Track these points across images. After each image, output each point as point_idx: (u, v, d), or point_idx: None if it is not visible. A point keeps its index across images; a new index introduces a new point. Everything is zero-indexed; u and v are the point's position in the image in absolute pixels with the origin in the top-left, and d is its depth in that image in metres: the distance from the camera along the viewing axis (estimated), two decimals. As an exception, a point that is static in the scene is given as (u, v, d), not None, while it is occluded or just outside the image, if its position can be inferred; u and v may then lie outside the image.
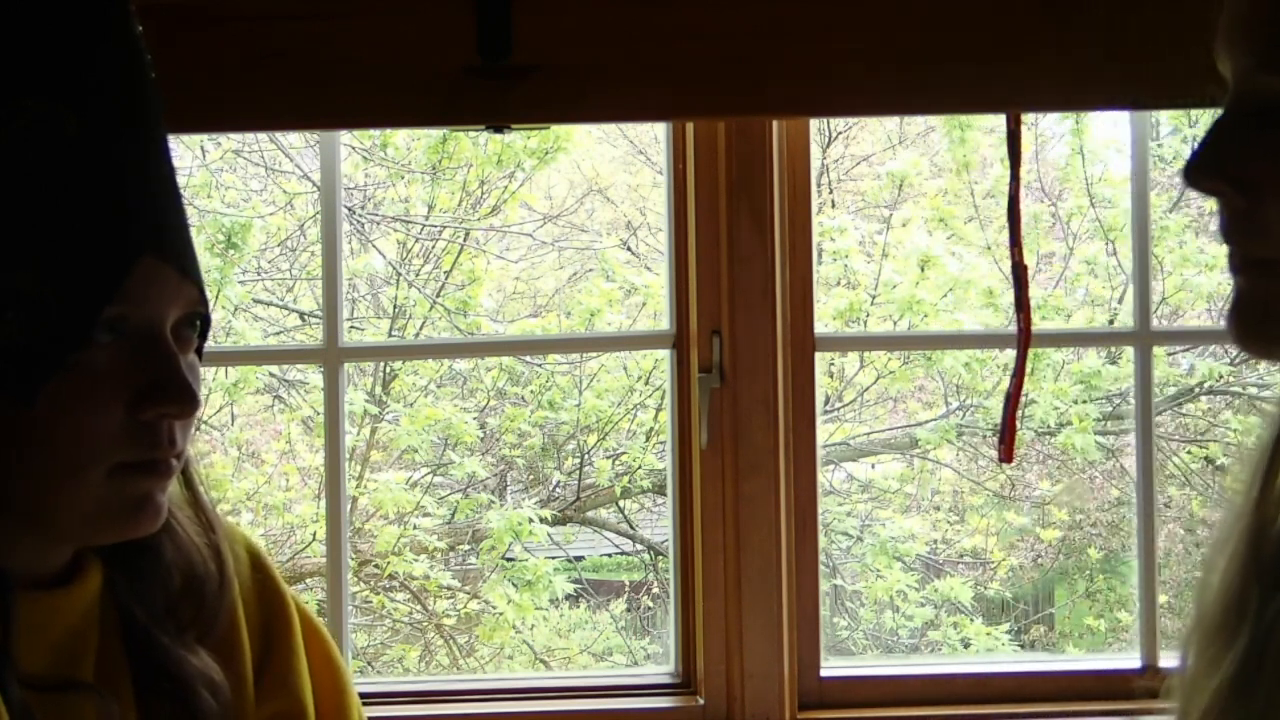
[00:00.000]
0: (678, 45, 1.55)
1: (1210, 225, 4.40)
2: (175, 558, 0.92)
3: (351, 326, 4.28)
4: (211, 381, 3.91)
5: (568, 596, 4.43)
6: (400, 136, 4.16)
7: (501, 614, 4.15)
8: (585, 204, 4.60)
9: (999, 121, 2.85)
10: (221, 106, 1.55)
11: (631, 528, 4.56)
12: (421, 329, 4.23)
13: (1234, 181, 0.67)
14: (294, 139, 4.11)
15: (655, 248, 4.39)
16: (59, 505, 0.83)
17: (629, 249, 4.51)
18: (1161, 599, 1.89)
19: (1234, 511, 0.65)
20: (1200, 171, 0.68)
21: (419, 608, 4.30)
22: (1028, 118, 3.00)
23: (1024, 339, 1.72)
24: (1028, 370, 1.75)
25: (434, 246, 4.32)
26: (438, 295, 4.19)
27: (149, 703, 0.89)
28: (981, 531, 4.67)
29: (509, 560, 4.20)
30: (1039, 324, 3.50)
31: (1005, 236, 1.78)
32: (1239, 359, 4.35)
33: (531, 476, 4.58)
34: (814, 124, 2.00)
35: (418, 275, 4.26)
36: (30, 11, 0.82)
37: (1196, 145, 0.68)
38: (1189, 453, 4.54)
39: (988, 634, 4.28)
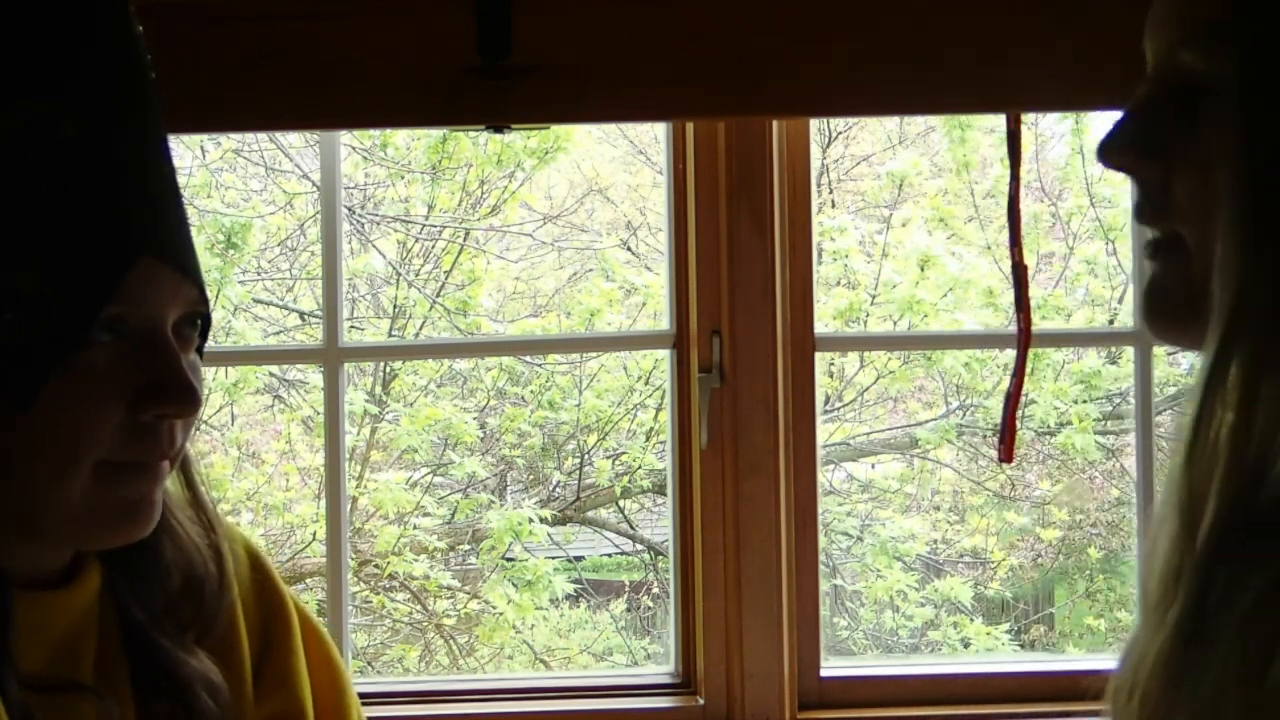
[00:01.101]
0: (678, 45, 1.55)
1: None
2: (175, 558, 0.92)
3: (351, 326, 4.28)
4: (211, 381, 3.90)
5: (568, 596, 4.43)
6: (400, 136, 4.16)
7: (501, 614, 4.15)
8: (585, 204, 4.60)
9: (999, 121, 2.85)
10: (221, 106, 1.55)
11: (631, 528, 4.56)
12: (421, 329, 4.23)
13: (1145, 155, 0.69)
14: (294, 139, 4.11)
15: (655, 248, 4.39)
16: (49, 507, 0.83)
17: (629, 249, 4.51)
18: (1161, 599, 1.88)
19: (1169, 487, 0.66)
20: (1113, 147, 0.70)
21: (419, 608, 4.30)
22: (1028, 118, 3.00)
23: (1024, 339, 1.72)
24: (1028, 370, 1.75)
25: (434, 246, 4.32)
26: (438, 295, 4.18)
27: (148, 703, 0.89)
28: (981, 531, 4.67)
29: (509, 560, 4.20)
30: (1039, 324, 3.50)
31: (1005, 236, 1.78)
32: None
33: (531, 476, 4.58)
34: (814, 124, 2.00)
35: (418, 275, 4.26)
36: (30, 11, 0.82)
37: (1111, 127, 0.69)
38: (1189, 453, 4.53)
39: (988, 634, 4.28)
